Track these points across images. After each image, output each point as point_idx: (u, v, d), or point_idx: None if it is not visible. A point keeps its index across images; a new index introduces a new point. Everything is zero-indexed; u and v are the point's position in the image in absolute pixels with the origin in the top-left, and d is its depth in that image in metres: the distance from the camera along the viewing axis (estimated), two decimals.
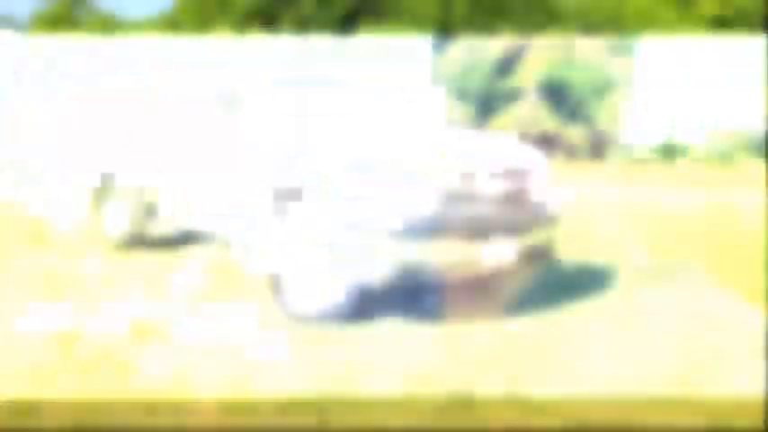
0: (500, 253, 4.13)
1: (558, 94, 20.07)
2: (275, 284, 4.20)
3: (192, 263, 5.34)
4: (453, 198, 4.05)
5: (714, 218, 8.50)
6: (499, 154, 4.62)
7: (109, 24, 23.57)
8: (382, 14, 20.74)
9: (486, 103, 20.38)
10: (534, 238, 4.43)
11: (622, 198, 10.59)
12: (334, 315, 4.00)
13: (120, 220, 5.94)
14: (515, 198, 4.37)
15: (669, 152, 19.34)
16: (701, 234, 7.28)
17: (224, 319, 4.06)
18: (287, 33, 20.65)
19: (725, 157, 18.53)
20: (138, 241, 5.93)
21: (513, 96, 20.14)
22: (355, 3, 20.51)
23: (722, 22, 20.11)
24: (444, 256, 4.00)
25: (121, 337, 3.78)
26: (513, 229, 4.27)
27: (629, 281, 5.12)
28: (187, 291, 4.67)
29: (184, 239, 5.92)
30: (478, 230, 4.10)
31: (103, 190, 6.01)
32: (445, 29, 20.41)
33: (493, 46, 20.12)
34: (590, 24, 20.68)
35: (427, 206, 3.97)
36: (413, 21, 20.17)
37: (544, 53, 20.31)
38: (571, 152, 20.49)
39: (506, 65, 20.61)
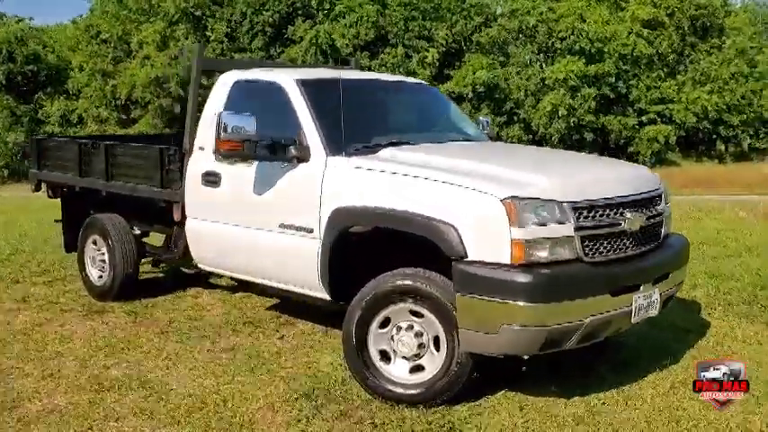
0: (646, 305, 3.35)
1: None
2: None
3: None
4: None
5: None
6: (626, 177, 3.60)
7: (26, 31, 21.23)
8: (316, 18, 19.81)
9: None
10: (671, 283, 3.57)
11: None
12: None
13: None
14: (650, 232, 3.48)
15: None
16: None
17: None
18: (217, 39, 19.36)
19: None
20: None
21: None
22: (288, 6, 19.44)
23: (653, 24, 20.55)
24: None
25: None
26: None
27: None
28: None
29: None
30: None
31: None
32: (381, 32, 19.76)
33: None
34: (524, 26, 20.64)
35: None
36: (348, 24, 19.37)
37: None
38: None
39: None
